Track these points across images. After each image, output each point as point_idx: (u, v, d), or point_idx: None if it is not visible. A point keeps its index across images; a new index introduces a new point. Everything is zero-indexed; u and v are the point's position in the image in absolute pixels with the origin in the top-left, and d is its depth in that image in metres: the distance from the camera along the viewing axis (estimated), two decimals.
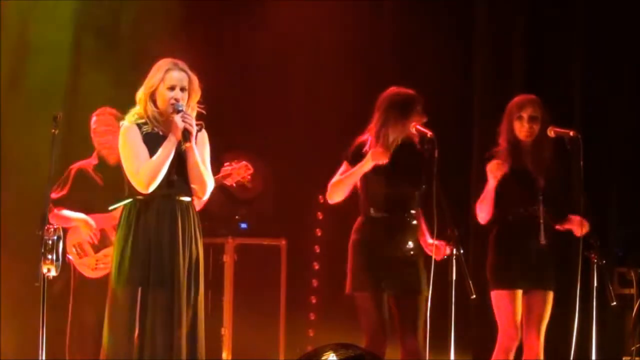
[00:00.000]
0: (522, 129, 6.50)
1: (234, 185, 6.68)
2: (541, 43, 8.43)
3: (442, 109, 7.30)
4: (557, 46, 8.41)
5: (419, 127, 6.15)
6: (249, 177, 6.64)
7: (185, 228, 5.60)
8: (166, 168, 5.52)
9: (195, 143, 5.59)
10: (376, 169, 6.14)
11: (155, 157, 5.51)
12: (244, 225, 8.46)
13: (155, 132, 5.59)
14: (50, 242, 5.45)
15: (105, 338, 5.56)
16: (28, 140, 7.68)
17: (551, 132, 6.50)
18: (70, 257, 6.81)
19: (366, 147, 6.20)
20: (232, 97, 8.05)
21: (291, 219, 8.57)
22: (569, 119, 7.80)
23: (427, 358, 5.94)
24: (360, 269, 6.20)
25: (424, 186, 6.18)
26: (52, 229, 5.47)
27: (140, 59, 5.95)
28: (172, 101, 5.54)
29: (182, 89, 5.59)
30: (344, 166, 6.28)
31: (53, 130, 5.65)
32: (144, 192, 5.54)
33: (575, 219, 6.47)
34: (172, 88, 5.57)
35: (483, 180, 6.53)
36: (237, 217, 8.38)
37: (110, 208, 6.59)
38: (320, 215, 8.79)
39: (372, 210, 6.22)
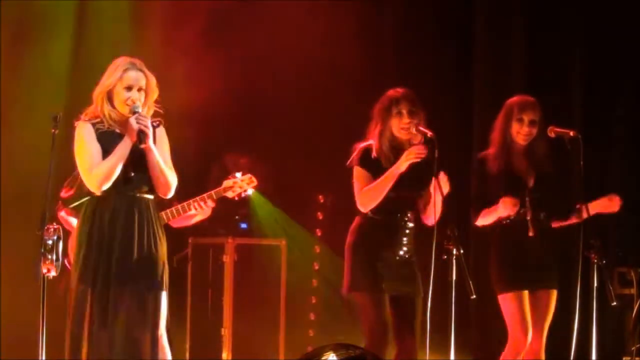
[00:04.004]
0: (520, 132, 6.49)
1: (236, 198, 6.68)
2: (541, 43, 8.43)
3: (442, 109, 7.33)
4: (557, 46, 8.41)
5: (419, 127, 6.16)
6: (254, 189, 6.65)
7: (142, 226, 5.55)
8: (119, 169, 5.49)
9: (154, 140, 5.56)
10: (378, 174, 6.17)
11: (109, 158, 5.50)
12: (244, 225, 8.45)
13: (111, 131, 5.57)
14: (50, 242, 5.45)
15: (69, 339, 5.52)
16: (28, 139, 7.68)
17: (551, 132, 6.49)
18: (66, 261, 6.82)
19: (373, 153, 6.22)
20: (233, 97, 8.04)
21: (291, 219, 8.57)
22: (569, 119, 7.80)
23: (427, 358, 5.94)
24: (358, 269, 6.21)
25: (422, 191, 6.19)
26: (52, 229, 5.46)
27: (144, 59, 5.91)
28: (129, 102, 5.53)
29: (139, 89, 5.55)
30: (360, 171, 6.25)
31: (53, 130, 5.65)
32: (95, 191, 5.53)
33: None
34: (129, 88, 5.54)
35: (483, 179, 6.54)
36: (237, 217, 8.38)
37: (72, 206, 6.58)
38: (320, 215, 8.79)
39: (370, 213, 6.23)
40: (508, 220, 6.44)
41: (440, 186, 6.03)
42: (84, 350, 5.46)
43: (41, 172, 5.82)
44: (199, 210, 6.46)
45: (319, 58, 8.42)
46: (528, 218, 6.42)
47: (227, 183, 6.58)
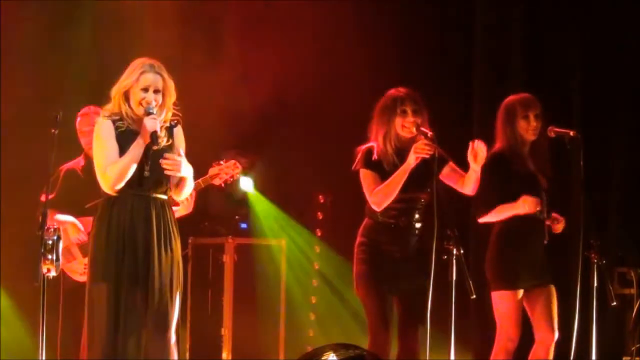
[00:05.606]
0: (529, 128, 6.49)
1: (223, 185, 6.67)
2: (541, 43, 8.43)
3: (442, 109, 7.31)
4: (557, 46, 8.42)
5: (420, 127, 6.16)
6: (238, 175, 6.63)
7: (160, 227, 5.58)
8: (133, 170, 5.51)
9: (172, 140, 5.62)
10: (385, 177, 6.17)
11: (122, 158, 5.52)
12: (244, 225, 8.46)
13: (130, 129, 5.59)
14: (50, 242, 5.45)
15: (86, 338, 5.54)
16: (28, 140, 7.68)
17: (551, 132, 6.50)
18: None
19: (374, 155, 6.23)
20: (233, 97, 8.05)
21: (291, 219, 8.58)
22: (569, 119, 7.80)
23: (427, 358, 5.94)
24: (367, 270, 6.23)
25: (428, 191, 6.20)
26: (52, 229, 5.47)
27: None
28: (144, 103, 5.55)
29: (156, 91, 5.58)
30: (367, 173, 6.25)
31: (53, 130, 5.65)
32: (109, 192, 5.55)
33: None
34: (145, 89, 5.57)
35: (483, 179, 6.54)
36: (237, 217, 8.39)
37: (87, 206, 6.57)
38: (320, 215, 8.79)
39: (379, 216, 6.25)
40: (516, 219, 6.43)
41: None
42: (98, 349, 5.46)
43: (40, 171, 5.83)
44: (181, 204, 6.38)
45: (319, 59, 8.42)
46: (547, 223, 6.43)
47: (212, 171, 6.57)
